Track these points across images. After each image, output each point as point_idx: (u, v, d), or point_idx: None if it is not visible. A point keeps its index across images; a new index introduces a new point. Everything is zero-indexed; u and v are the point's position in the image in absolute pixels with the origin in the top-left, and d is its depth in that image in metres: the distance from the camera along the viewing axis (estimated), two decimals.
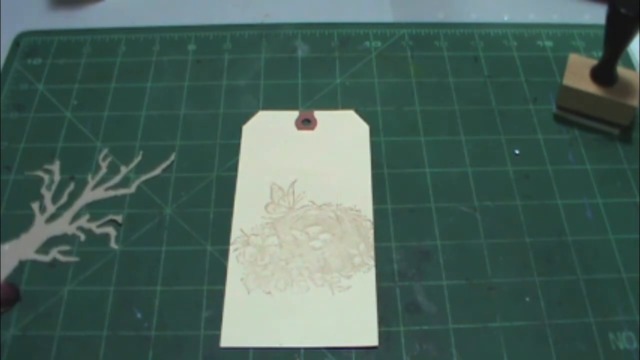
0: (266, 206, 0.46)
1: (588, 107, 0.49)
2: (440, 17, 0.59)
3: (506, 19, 0.59)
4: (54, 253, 0.44)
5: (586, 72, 0.49)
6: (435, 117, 0.51)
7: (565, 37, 0.56)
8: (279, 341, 0.40)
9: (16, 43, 0.56)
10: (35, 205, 0.46)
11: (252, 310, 0.41)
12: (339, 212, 0.45)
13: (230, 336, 0.40)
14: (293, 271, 0.42)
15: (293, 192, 0.46)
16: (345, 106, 0.51)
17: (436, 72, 0.54)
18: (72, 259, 0.43)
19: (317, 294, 0.42)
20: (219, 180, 0.47)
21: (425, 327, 0.40)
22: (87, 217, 0.45)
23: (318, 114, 0.50)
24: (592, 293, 0.42)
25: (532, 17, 0.59)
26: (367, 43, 0.56)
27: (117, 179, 0.47)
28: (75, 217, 0.45)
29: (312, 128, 0.50)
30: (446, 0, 0.60)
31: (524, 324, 0.40)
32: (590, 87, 0.48)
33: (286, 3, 0.60)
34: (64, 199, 0.46)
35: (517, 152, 0.49)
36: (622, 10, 0.42)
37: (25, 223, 0.45)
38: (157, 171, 0.48)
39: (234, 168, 0.48)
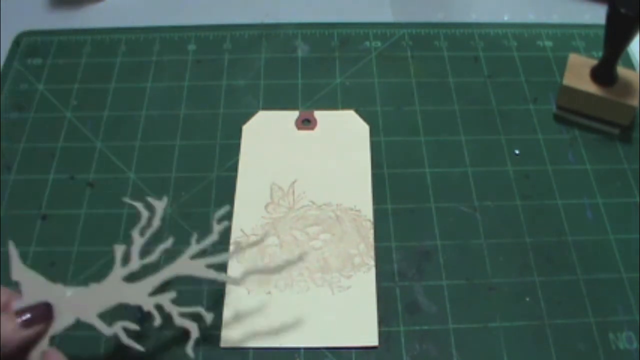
0: (266, 206, 0.46)
1: (588, 107, 0.49)
2: (440, 17, 0.59)
3: (506, 19, 0.59)
4: (117, 328, 0.34)
5: (586, 72, 0.49)
6: (435, 117, 0.51)
7: (565, 37, 0.56)
8: (279, 341, 0.40)
9: (16, 43, 0.56)
10: (118, 251, 0.36)
11: (252, 310, 0.41)
12: (339, 212, 0.45)
13: (230, 336, 0.40)
14: (293, 271, 0.42)
15: (293, 192, 0.46)
16: (345, 106, 0.51)
17: (436, 72, 0.54)
18: (136, 346, 0.34)
19: (317, 294, 0.42)
20: (219, 180, 0.47)
21: (425, 327, 0.40)
22: (173, 294, 0.35)
23: (318, 114, 0.50)
24: (592, 293, 0.42)
25: (532, 17, 0.59)
26: (367, 43, 0.56)
27: (224, 255, 0.36)
28: (160, 288, 0.35)
29: (312, 128, 0.50)
30: (446, 0, 0.60)
31: (524, 324, 0.40)
32: (590, 87, 0.48)
33: (286, 3, 0.60)
34: (154, 255, 0.37)
35: (517, 152, 0.49)
36: (622, 10, 0.42)
37: (26, 224, 0.45)
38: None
39: (234, 168, 0.48)
